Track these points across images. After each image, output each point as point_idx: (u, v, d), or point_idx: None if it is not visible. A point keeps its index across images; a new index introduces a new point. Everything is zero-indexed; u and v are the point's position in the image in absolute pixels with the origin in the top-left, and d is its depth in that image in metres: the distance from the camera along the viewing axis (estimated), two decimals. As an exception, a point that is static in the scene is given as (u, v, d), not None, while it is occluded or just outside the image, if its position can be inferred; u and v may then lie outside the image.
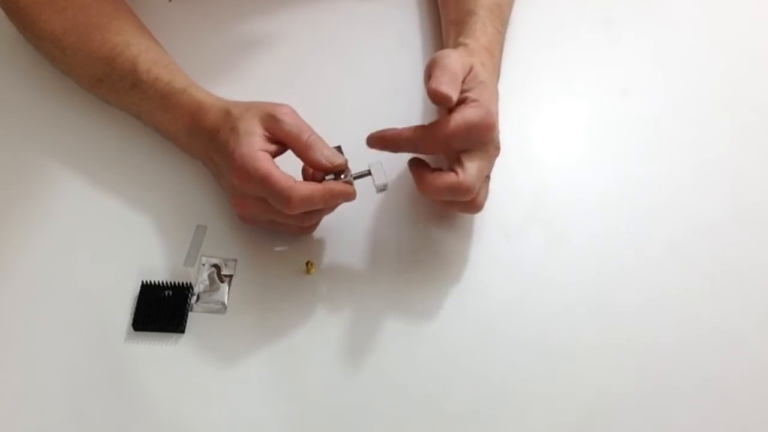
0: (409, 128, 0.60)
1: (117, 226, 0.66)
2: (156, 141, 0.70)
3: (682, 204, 0.69)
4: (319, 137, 0.61)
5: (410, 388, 0.59)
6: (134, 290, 0.62)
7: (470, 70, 0.62)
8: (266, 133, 0.61)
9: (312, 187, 0.58)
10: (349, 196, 0.60)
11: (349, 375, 0.60)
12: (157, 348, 0.60)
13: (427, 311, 0.62)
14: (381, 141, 0.61)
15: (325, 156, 0.60)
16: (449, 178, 0.59)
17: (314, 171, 0.61)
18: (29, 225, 0.66)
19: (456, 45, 0.67)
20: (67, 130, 0.71)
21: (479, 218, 0.67)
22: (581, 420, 0.58)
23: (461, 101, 0.60)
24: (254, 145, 0.59)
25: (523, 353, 0.61)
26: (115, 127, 0.70)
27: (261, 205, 0.60)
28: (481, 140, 0.60)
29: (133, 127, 0.70)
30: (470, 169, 0.59)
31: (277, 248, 0.65)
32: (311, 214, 0.61)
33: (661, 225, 0.68)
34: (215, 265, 0.64)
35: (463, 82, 0.61)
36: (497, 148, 0.62)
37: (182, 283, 0.62)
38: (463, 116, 0.59)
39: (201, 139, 0.64)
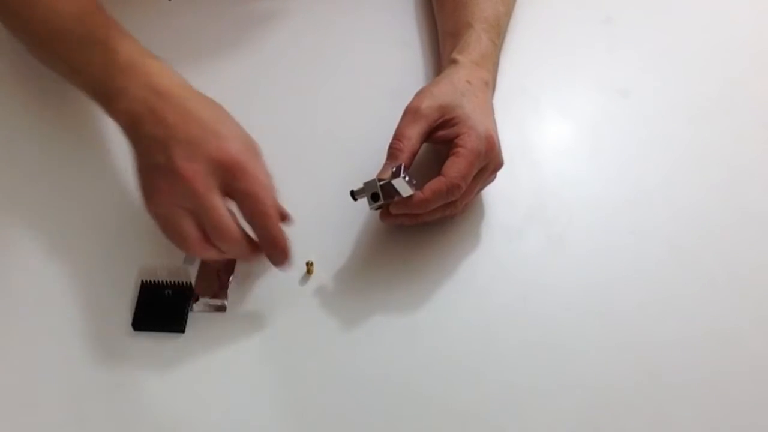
0: (431, 186, 0.60)
1: (117, 226, 0.66)
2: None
3: (682, 204, 0.69)
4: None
5: (410, 388, 0.59)
6: (134, 290, 0.63)
7: (441, 109, 0.63)
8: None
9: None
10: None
11: (348, 375, 0.60)
12: (157, 348, 0.60)
13: (428, 311, 0.62)
14: (407, 207, 0.61)
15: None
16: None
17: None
18: (29, 225, 0.66)
19: (449, 60, 0.69)
20: (67, 129, 0.71)
21: (480, 218, 0.67)
22: (581, 420, 0.58)
23: (455, 137, 0.62)
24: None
25: (523, 353, 0.61)
26: (116, 127, 0.70)
27: None
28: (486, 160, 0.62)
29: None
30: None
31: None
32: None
33: (661, 225, 0.67)
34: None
35: (442, 124, 0.63)
36: (500, 163, 0.65)
37: (182, 283, 0.62)
38: (468, 150, 0.61)
39: None
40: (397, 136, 0.62)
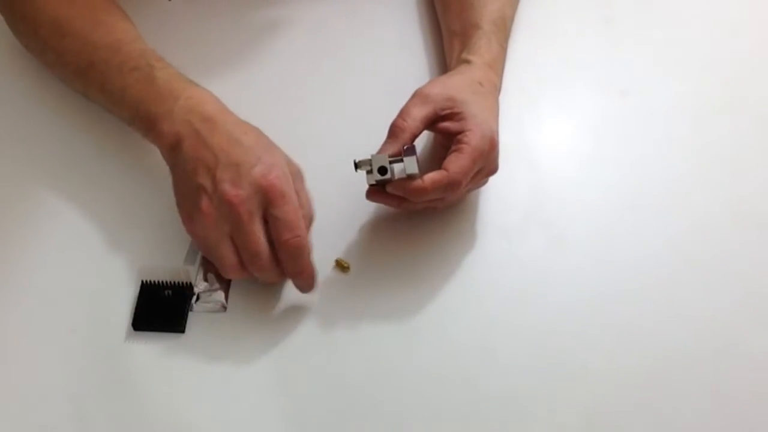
0: (432, 177, 0.60)
1: (117, 226, 0.66)
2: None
3: (682, 204, 0.69)
4: None
5: (410, 388, 0.59)
6: (134, 290, 0.63)
7: (450, 100, 0.62)
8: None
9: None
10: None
11: (348, 375, 0.60)
12: (157, 348, 0.60)
13: (427, 313, 0.62)
14: (404, 191, 0.60)
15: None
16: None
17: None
18: (29, 225, 0.66)
19: (459, 60, 0.68)
20: (67, 130, 0.71)
21: (479, 219, 0.67)
22: (581, 421, 0.58)
23: (458, 133, 0.61)
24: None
25: (523, 354, 0.61)
26: (116, 128, 0.70)
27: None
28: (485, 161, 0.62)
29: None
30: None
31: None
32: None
33: (661, 225, 0.67)
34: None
35: (449, 116, 0.62)
36: (495, 169, 0.64)
37: (182, 283, 0.62)
38: (472, 147, 0.60)
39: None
40: (402, 115, 0.62)
